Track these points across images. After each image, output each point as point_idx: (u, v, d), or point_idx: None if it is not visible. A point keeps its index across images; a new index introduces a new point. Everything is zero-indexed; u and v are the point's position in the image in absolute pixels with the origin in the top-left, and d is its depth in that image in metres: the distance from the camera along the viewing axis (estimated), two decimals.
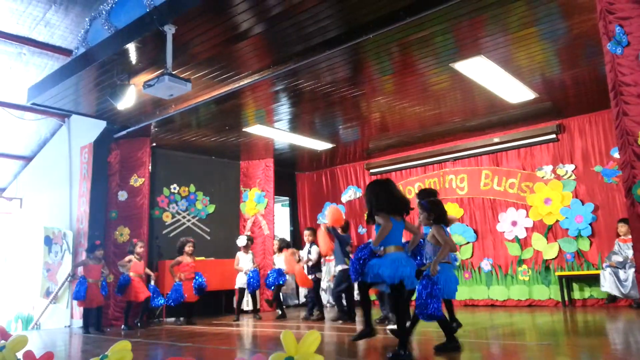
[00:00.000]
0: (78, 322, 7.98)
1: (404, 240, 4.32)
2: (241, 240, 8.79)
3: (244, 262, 8.56)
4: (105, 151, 8.68)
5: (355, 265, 4.17)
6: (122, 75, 6.45)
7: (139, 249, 7.91)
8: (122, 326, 7.63)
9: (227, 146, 9.92)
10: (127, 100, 6.43)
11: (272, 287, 8.59)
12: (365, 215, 4.30)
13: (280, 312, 8.42)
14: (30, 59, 8.30)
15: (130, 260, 7.78)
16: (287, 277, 8.79)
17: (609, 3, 4.28)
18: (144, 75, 6.35)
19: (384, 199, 4.13)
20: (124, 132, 8.49)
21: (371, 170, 11.18)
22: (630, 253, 7.30)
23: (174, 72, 5.45)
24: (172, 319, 8.45)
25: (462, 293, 9.29)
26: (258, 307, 8.99)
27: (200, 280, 8.04)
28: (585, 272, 8.17)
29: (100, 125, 8.54)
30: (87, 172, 8.61)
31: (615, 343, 4.80)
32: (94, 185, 8.46)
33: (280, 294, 8.91)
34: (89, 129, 8.75)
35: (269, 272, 8.81)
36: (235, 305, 8.70)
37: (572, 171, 8.61)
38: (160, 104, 7.54)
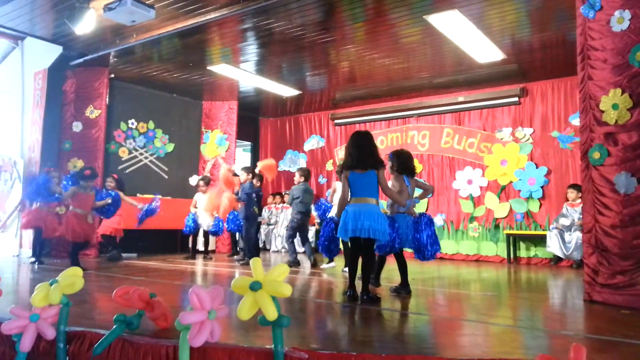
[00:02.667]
0: (27, 252, 7.82)
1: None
2: (192, 180, 8.64)
3: (202, 203, 8.48)
4: (61, 79, 8.30)
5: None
6: None
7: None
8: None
9: (190, 84, 9.63)
10: (86, 24, 6.11)
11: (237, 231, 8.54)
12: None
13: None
14: None
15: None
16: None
17: None
18: None
19: (350, 155, 4.20)
20: (80, 60, 8.09)
21: (336, 121, 11.14)
22: (577, 217, 7.65)
23: None
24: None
25: None
26: (212, 248, 8.97)
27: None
28: (533, 232, 8.53)
29: (56, 51, 8.07)
30: (41, 99, 8.21)
31: (554, 297, 5.08)
32: (47, 114, 8.10)
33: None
34: (44, 54, 8.27)
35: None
36: (190, 245, 8.66)
37: (530, 135, 8.83)
38: (121, 32, 7.18)
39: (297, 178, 7.64)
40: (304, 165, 11.29)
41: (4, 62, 9.75)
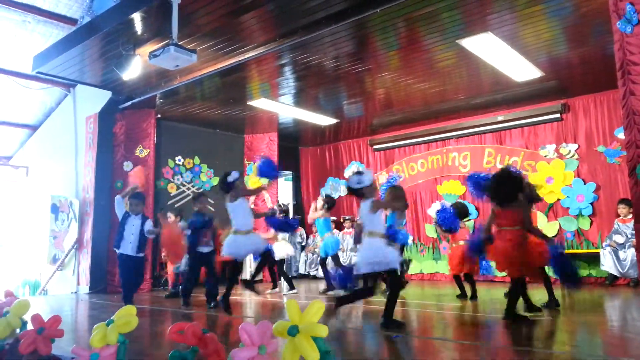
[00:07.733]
0: (84, 288, 8.15)
1: None
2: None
3: None
4: (111, 122, 8.74)
5: None
6: (128, 45, 6.44)
7: None
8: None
9: (232, 119, 9.95)
10: (133, 70, 6.46)
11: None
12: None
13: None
14: (35, 27, 8.27)
15: None
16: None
17: None
18: (149, 46, 6.33)
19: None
20: (129, 103, 8.52)
21: (375, 147, 11.20)
22: (629, 232, 7.36)
23: (179, 43, 5.45)
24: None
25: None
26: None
27: None
28: (585, 250, 8.25)
29: (105, 96, 8.56)
30: (93, 142, 8.67)
31: (612, 320, 4.90)
32: (99, 155, 8.55)
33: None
34: (94, 99, 8.78)
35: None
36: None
37: (575, 150, 8.62)
38: (165, 75, 7.54)
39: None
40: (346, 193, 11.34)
41: (58, 108, 10.39)
